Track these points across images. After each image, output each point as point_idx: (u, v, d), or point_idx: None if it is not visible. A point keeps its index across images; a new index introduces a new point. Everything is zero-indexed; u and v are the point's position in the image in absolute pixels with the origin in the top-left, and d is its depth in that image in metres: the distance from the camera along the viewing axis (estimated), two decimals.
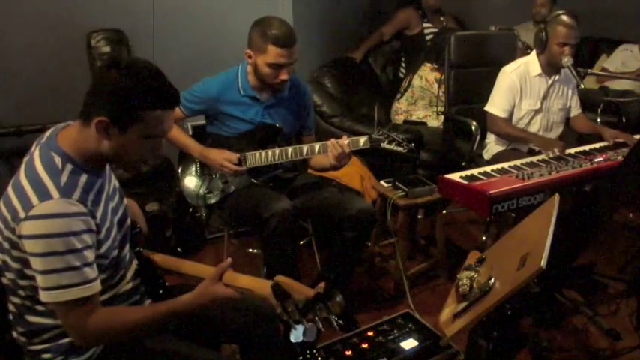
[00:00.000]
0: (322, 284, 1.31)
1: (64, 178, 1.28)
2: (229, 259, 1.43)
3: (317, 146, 2.22)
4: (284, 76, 2.21)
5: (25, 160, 1.34)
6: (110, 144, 1.31)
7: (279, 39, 2.14)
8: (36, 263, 1.23)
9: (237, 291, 1.41)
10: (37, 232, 1.22)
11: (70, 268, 1.24)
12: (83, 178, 1.32)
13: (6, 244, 1.29)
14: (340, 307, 1.29)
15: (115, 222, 1.43)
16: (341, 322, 1.31)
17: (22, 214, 1.23)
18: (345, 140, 2.18)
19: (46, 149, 1.32)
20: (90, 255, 1.28)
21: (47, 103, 3.05)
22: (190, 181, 2.42)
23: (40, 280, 1.24)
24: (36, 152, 1.33)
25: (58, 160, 1.30)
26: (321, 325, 1.29)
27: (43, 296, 1.25)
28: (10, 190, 1.28)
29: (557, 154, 2.57)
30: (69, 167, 1.30)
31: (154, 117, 1.30)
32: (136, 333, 1.38)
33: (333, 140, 2.18)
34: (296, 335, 1.29)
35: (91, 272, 1.28)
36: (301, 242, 2.99)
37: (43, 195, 1.24)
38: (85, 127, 1.31)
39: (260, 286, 1.39)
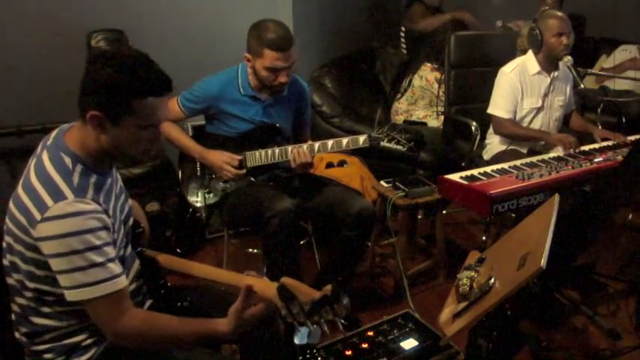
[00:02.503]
0: (329, 286, 1.31)
1: (75, 179, 1.28)
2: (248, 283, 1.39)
3: (316, 145, 2.23)
4: (282, 79, 2.23)
5: (33, 161, 1.33)
6: (107, 138, 1.30)
7: (275, 43, 2.15)
8: (57, 264, 1.23)
9: (264, 301, 1.38)
10: (53, 233, 1.21)
11: (93, 265, 1.24)
12: (93, 178, 1.32)
13: (17, 246, 1.29)
14: (346, 309, 1.28)
15: (122, 221, 1.43)
16: (344, 322, 1.31)
17: (37, 216, 1.22)
18: (304, 146, 2.21)
19: (54, 150, 1.32)
20: (110, 251, 1.28)
21: (47, 103, 3.05)
22: (191, 181, 2.42)
23: (64, 280, 1.24)
24: (44, 153, 1.32)
25: (67, 160, 1.30)
26: (326, 328, 1.29)
27: (69, 296, 1.25)
28: (20, 192, 1.27)
29: (571, 150, 2.57)
30: (79, 168, 1.30)
31: (146, 106, 1.28)
32: (167, 346, 1.38)
33: (295, 148, 2.21)
34: (300, 337, 1.28)
35: (116, 267, 1.28)
36: (301, 242, 2.98)
37: (57, 196, 1.23)
38: (83, 124, 1.31)
39: (265, 287, 1.39)
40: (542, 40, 2.75)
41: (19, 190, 1.28)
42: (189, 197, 2.42)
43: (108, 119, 1.28)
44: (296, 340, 1.29)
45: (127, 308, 1.30)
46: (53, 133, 1.39)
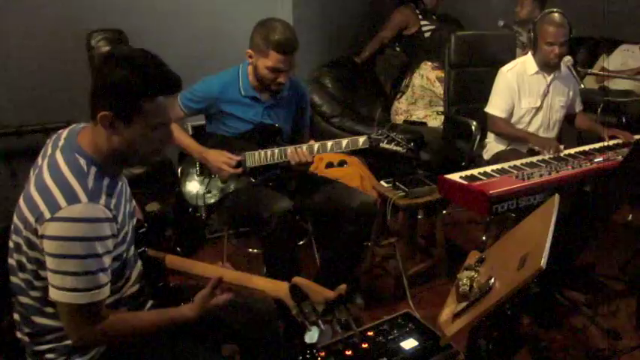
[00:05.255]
0: (344, 286, 1.31)
1: (90, 182, 1.28)
2: (227, 264, 1.43)
3: (316, 146, 2.23)
4: (282, 79, 2.23)
5: (45, 161, 1.33)
6: (119, 139, 1.31)
7: (281, 45, 2.15)
8: (54, 264, 1.23)
9: (233, 291, 1.42)
10: (61, 234, 1.21)
11: (87, 273, 1.24)
12: (106, 181, 1.33)
13: (24, 245, 1.29)
14: (360, 309, 1.30)
15: (130, 224, 1.44)
16: (343, 323, 1.31)
17: (47, 215, 1.22)
18: (304, 146, 2.21)
19: (68, 151, 1.32)
20: (107, 260, 1.28)
21: (47, 103, 3.05)
22: (190, 181, 2.42)
23: (56, 279, 1.24)
24: (57, 153, 1.32)
25: (83, 162, 1.30)
26: (338, 327, 1.29)
27: (54, 294, 1.25)
28: (33, 191, 1.27)
29: (552, 154, 2.58)
30: (93, 170, 1.31)
31: (156, 105, 1.29)
32: (136, 340, 1.39)
33: (291, 147, 2.21)
34: (311, 337, 1.29)
35: (104, 278, 1.28)
36: (301, 242, 2.98)
37: (71, 197, 1.23)
38: (95, 125, 1.31)
39: (276, 287, 1.40)
40: (536, 44, 2.75)
41: (32, 188, 1.28)
42: (188, 197, 2.42)
43: (119, 119, 1.28)
44: (307, 339, 1.29)
45: (99, 317, 1.30)
46: (64, 134, 1.39)
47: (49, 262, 1.23)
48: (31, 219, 1.25)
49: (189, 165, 2.44)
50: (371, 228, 2.53)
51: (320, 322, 1.28)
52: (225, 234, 2.75)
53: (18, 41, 3.03)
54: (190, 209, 3.07)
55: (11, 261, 1.35)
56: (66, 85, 3.00)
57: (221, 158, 2.29)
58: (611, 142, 2.74)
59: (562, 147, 2.65)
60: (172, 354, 1.45)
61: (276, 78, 2.22)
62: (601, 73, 3.92)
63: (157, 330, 1.39)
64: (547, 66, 2.80)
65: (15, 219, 1.31)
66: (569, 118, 3.03)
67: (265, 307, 1.63)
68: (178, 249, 3.02)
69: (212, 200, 2.37)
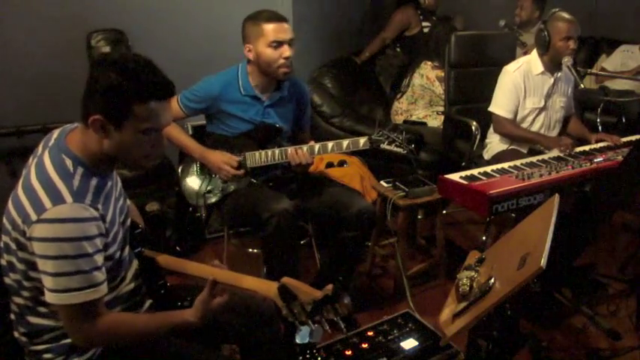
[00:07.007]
0: (330, 286, 1.31)
1: (76, 182, 1.28)
2: (216, 261, 1.43)
3: (317, 147, 2.23)
4: (287, 53, 2.21)
5: (34, 161, 1.33)
6: (110, 142, 1.31)
7: (271, 16, 2.20)
8: (45, 266, 1.23)
9: (231, 292, 1.42)
10: (49, 236, 1.21)
11: (79, 272, 1.24)
12: (93, 181, 1.32)
13: (13, 245, 1.29)
14: (347, 308, 1.29)
15: (120, 223, 1.44)
16: (342, 323, 1.31)
17: (33, 217, 1.22)
18: (304, 147, 2.21)
19: (56, 151, 1.32)
20: (99, 259, 1.28)
21: (47, 103, 3.05)
22: (190, 181, 2.42)
23: (49, 282, 1.24)
24: (45, 154, 1.32)
25: (69, 162, 1.30)
26: (327, 327, 1.29)
27: (50, 298, 1.25)
28: (20, 192, 1.27)
29: (566, 152, 2.58)
30: (80, 170, 1.31)
31: (147, 110, 1.28)
32: (137, 341, 1.39)
33: (292, 148, 2.21)
34: (302, 337, 1.29)
35: (100, 276, 1.28)
36: (301, 242, 2.98)
37: (56, 198, 1.23)
38: (86, 128, 1.31)
39: (266, 287, 1.40)
40: (550, 43, 2.75)
41: (19, 189, 1.28)
42: (188, 196, 2.42)
43: (110, 123, 1.28)
44: (297, 339, 1.29)
45: (98, 315, 1.30)
46: (55, 134, 1.39)
47: (41, 264, 1.24)
48: (18, 220, 1.25)
49: (190, 164, 2.44)
50: (370, 233, 2.53)
51: (310, 321, 1.28)
52: (226, 234, 2.75)
53: (18, 41, 3.03)
54: (190, 209, 3.07)
55: (2, 261, 1.36)
56: (66, 86, 2.98)
57: (222, 158, 2.29)
58: (603, 144, 2.75)
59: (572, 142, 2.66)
60: (171, 353, 1.45)
61: (280, 55, 2.20)
62: (601, 73, 3.92)
63: (158, 333, 1.39)
64: (556, 65, 2.80)
65: (4, 220, 1.31)
66: (564, 121, 3.03)
67: (265, 307, 1.63)
68: (178, 249, 3.02)
69: (213, 200, 2.37)
